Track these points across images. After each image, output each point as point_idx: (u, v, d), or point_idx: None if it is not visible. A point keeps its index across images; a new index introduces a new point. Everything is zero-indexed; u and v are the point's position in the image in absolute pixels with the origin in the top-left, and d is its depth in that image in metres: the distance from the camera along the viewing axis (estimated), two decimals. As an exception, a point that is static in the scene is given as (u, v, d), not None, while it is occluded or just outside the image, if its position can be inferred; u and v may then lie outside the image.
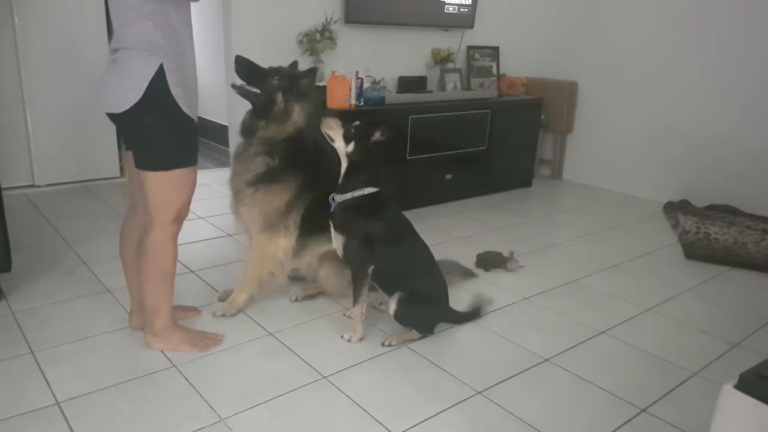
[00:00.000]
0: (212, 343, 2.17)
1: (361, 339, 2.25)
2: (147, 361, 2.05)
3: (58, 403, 1.81)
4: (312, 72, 2.37)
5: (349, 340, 2.24)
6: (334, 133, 2.15)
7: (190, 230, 3.33)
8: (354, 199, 2.16)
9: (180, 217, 1.99)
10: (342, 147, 2.16)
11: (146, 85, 1.77)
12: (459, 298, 2.54)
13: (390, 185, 2.27)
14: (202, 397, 1.88)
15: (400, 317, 2.22)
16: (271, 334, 2.29)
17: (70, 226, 3.31)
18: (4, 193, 2.50)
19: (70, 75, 3.88)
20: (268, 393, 1.91)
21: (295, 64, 2.48)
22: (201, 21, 5.48)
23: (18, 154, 3.91)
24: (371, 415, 1.83)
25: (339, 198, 2.17)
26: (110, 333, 2.23)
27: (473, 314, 2.46)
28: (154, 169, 1.88)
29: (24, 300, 2.45)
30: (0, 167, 3.72)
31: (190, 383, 1.94)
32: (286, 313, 2.45)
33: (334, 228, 2.20)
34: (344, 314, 2.44)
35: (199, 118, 6.54)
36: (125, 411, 1.79)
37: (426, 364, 2.14)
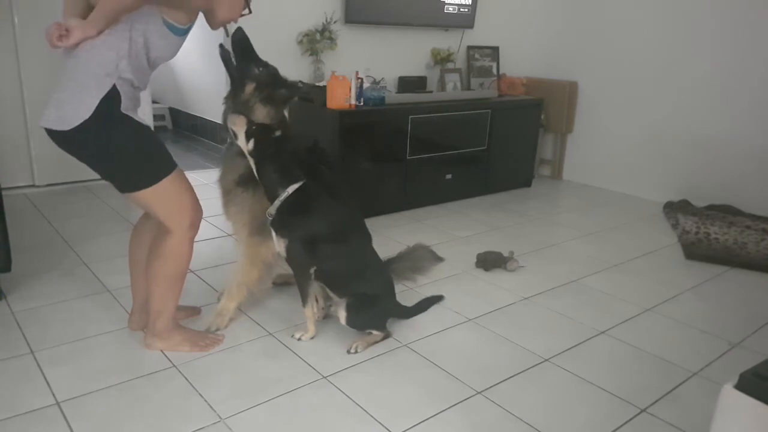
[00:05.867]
0: (212, 343, 2.17)
1: (312, 338, 2.25)
2: (147, 361, 2.05)
3: (58, 403, 1.81)
4: (294, 89, 2.29)
5: (299, 339, 2.24)
6: (238, 129, 2.10)
7: (190, 230, 3.34)
8: (283, 201, 2.11)
9: (195, 221, 1.97)
10: (244, 144, 2.10)
11: (98, 102, 1.70)
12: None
13: (317, 177, 2.22)
14: (202, 397, 1.88)
15: (352, 323, 2.19)
16: (271, 334, 2.29)
17: (70, 226, 3.31)
18: (4, 193, 2.50)
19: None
20: (268, 393, 1.91)
21: (298, 87, 2.38)
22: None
23: (18, 154, 3.91)
24: (371, 415, 1.83)
25: (272, 209, 2.12)
26: (110, 333, 2.23)
27: (421, 308, 2.44)
28: (138, 189, 1.84)
29: (24, 300, 2.45)
30: (0, 167, 3.72)
31: (190, 383, 1.94)
32: (286, 313, 2.45)
33: (276, 233, 2.15)
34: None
35: (199, 118, 6.51)
36: (125, 411, 1.79)
37: (426, 364, 2.14)
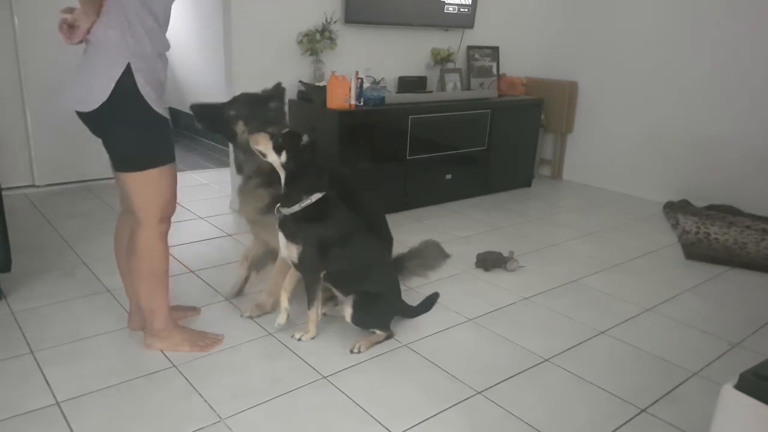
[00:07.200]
0: (212, 343, 2.17)
1: (312, 338, 2.25)
2: (147, 361, 2.05)
3: (58, 403, 1.81)
4: (279, 92, 2.31)
5: (299, 340, 2.24)
6: (264, 147, 2.07)
7: (190, 230, 3.32)
8: (303, 209, 2.10)
9: (166, 215, 1.98)
10: (275, 159, 2.07)
11: (113, 85, 1.76)
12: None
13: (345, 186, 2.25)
14: (202, 397, 1.88)
15: (358, 321, 2.19)
16: (271, 334, 2.29)
17: (70, 226, 3.31)
18: (4, 193, 2.50)
19: (70, 75, 3.86)
20: (268, 393, 1.91)
21: (278, 87, 2.40)
22: (201, 21, 5.48)
23: (18, 154, 3.91)
24: (371, 415, 1.83)
25: (286, 211, 2.10)
26: (110, 333, 2.23)
27: (424, 308, 2.44)
28: (129, 170, 1.87)
29: (24, 300, 2.45)
30: (0, 167, 3.72)
31: (190, 383, 1.94)
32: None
33: (286, 237, 2.14)
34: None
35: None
36: (125, 411, 1.80)
37: (426, 364, 2.14)
